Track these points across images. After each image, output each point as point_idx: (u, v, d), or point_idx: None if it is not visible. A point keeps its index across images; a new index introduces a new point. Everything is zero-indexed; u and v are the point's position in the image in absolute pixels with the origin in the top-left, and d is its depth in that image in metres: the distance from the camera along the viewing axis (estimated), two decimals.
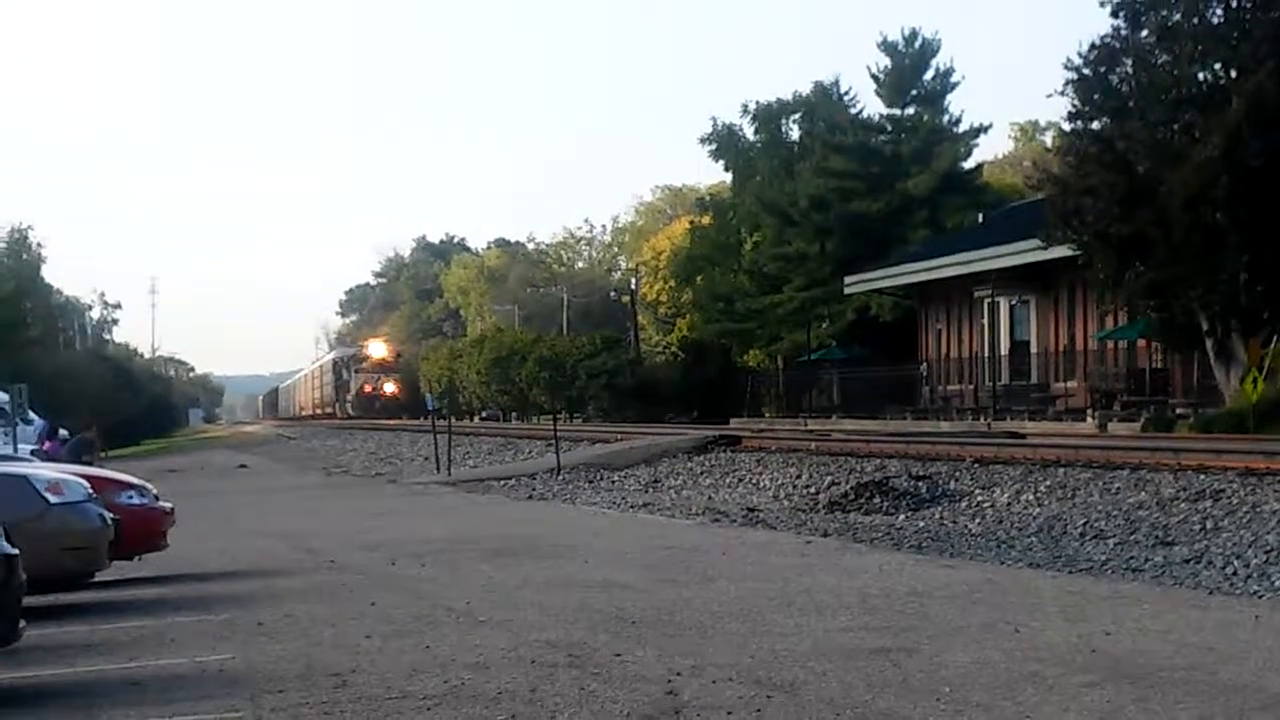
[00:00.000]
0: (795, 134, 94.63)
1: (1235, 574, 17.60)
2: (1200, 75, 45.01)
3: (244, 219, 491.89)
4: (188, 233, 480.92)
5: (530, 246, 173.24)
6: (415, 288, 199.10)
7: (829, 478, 32.26)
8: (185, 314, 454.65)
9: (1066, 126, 48.78)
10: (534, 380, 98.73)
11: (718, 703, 10.20)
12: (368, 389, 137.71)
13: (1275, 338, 44.23)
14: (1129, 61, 45.54)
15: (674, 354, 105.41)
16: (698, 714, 9.93)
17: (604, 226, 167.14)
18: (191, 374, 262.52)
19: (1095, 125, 46.52)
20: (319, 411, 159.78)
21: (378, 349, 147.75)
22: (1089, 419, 50.83)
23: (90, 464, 28.33)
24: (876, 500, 27.99)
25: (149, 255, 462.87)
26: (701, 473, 37.45)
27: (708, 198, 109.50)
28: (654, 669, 11.46)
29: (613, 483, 37.73)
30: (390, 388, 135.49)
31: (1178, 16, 44.49)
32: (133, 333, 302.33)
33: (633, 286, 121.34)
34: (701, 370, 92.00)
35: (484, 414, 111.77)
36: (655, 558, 19.74)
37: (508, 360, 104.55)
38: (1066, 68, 45.84)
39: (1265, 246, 42.58)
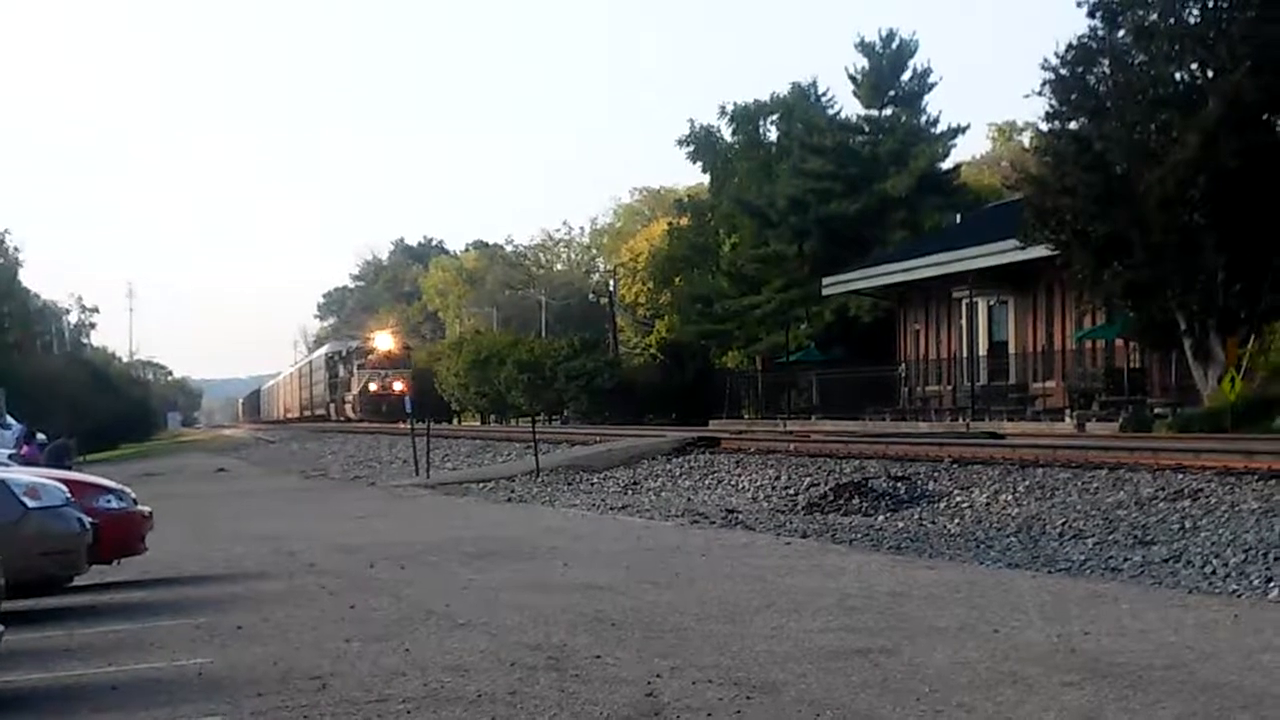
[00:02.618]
0: (773, 135, 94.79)
1: (1214, 573, 17.64)
2: (1177, 75, 45.14)
3: (221, 222, 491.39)
4: (165, 237, 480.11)
5: (508, 249, 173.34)
6: (394, 290, 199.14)
7: (808, 479, 32.29)
8: (163, 318, 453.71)
9: (1044, 127, 48.86)
10: (513, 383, 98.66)
11: (698, 704, 10.20)
12: (374, 388, 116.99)
13: (1253, 337, 44.35)
14: (1106, 61, 45.66)
15: (653, 356, 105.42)
16: (678, 715, 9.92)
17: (582, 228, 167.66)
18: (169, 378, 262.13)
19: (1073, 125, 46.65)
20: (307, 414, 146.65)
21: (385, 341, 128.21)
22: (1067, 419, 50.93)
23: (69, 468, 28.28)
24: (855, 501, 28.01)
25: (126, 259, 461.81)
26: (680, 474, 37.46)
27: (686, 199, 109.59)
28: (634, 670, 11.46)
29: (592, 485, 37.73)
30: (400, 386, 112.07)
31: (1154, 16, 44.59)
32: (110, 337, 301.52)
33: (611, 288, 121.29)
34: (680, 372, 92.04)
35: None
36: (635, 559, 19.73)
37: (486, 363, 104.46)
38: (1044, 68, 45.97)
39: (1242, 246, 42.70)
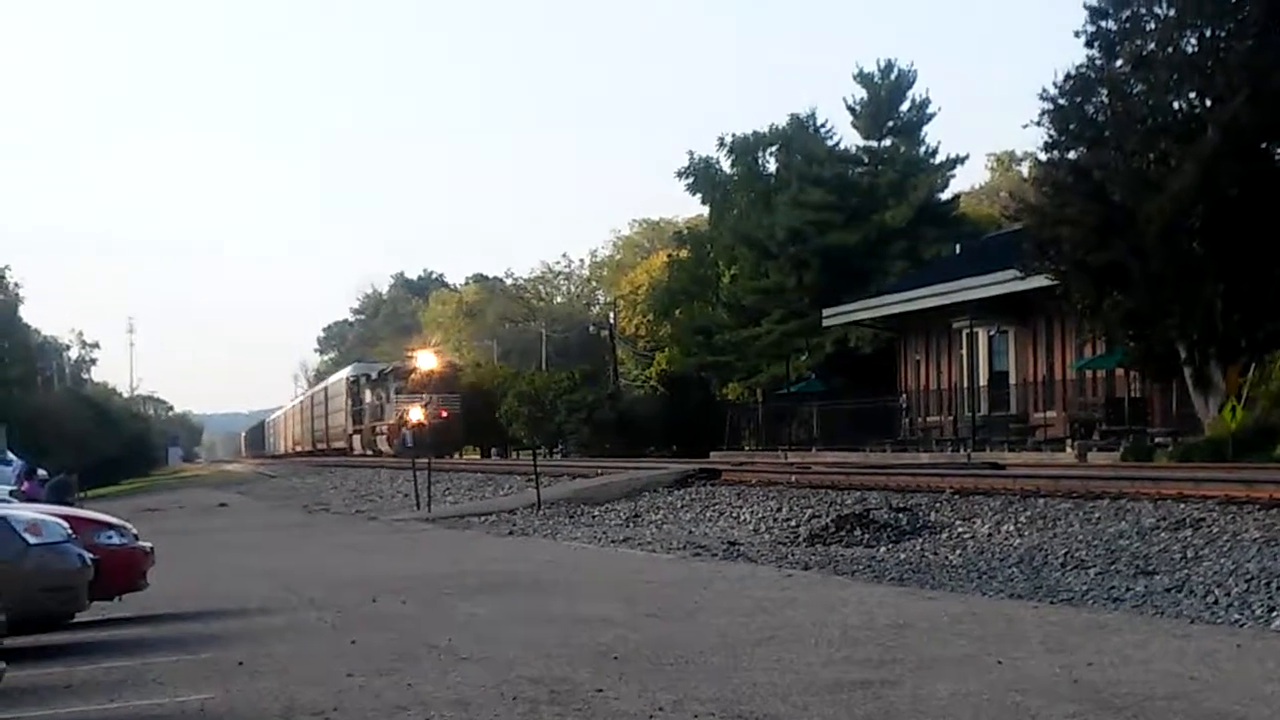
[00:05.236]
0: (772, 166, 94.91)
1: (1216, 603, 17.62)
2: (1175, 104, 45.22)
3: (221, 256, 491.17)
4: (166, 272, 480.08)
5: (509, 282, 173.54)
6: (394, 324, 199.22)
7: (809, 510, 32.25)
8: (163, 353, 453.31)
9: (1043, 156, 48.93)
10: (514, 416, 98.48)
11: None
12: (416, 416, 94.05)
13: (1253, 365, 44.34)
14: (1104, 91, 45.75)
15: (653, 388, 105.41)
16: None
17: (582, 261, 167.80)
18: (170, 412, 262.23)
19: (1071, 155, 46.70)
20: (321, 447, 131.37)
21: (428, 360, 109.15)
22: (1068, 449, 50.89)
23: (70, 504, 28.29)
24: (857, 532, 27.99)
25: (127, 294, 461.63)
26: (682, 507, 37.42)
27: (685, 231, 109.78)
28: (636, 704, 11.43)
29: (593, 517, 37.69)
30: (446, 413, 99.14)
31: (1152, 46, 44.70)
32: (111, 372, 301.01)
33: (611, 320, 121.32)
34: (681, 403, 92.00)
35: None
36: (636, 592, 19.70)
37: (487, 396, 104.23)
38: (1042, 98, 46.05)
39: (1241, 275, 42.73)
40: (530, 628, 16.26)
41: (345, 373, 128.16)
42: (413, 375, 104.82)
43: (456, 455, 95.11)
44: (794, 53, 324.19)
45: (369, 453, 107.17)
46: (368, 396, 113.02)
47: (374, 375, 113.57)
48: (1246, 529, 22.13)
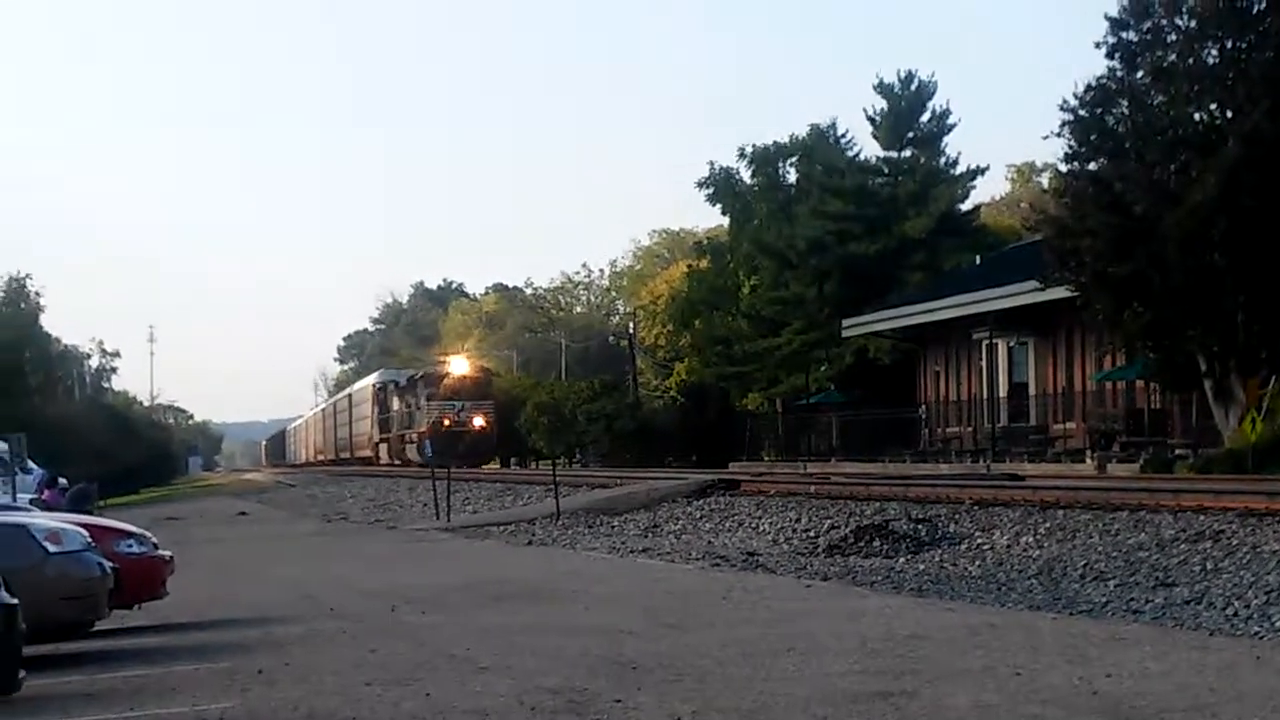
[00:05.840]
0: (792, 177, 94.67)
1: (1236, 615, 17.61)
2: (1196, 116, 45.15)
3: (241, 265, 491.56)
4: (186, 280, 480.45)
5: (528, 291, 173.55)
6: (413, 334, 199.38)
7: (828, 521, 32.25)
8: (183, 361, 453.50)
9: (1063, 168, 48.79)
10: (533, 425, 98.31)
11: None
12: (448, 422, 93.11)
13: (1274, 377, 44.23)
14: (1125, 102, 45.70)
15: (673, 398, 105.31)
16: None
17: (602, 271, 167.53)
18: (190, 421, 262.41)
19: (1092, 166, 46.61)
20: (344, 456, 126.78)
21: (461, 365, 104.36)
22: (1088, 460, 50.78)
23: (90, 513, 28.35)
24: (876, 543, 27.99)
25: (147, 303, 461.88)
26: (701, 517, 37.43)
27: (705, 241, 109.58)
28: (655, 714, 11.44)
29: (612, 527, 37.70)
30: (480, 421, 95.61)
31: (1173, 57, 44.64)
32: (131, 381, 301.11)
33: (631, 330, 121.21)
34: (700, 414, 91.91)
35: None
36: (655, 602, 19.71)
37: (507, 405, 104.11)
38: (1063, 109, 45.97)
39: (1262, 286, 42.63)
40: (549, 638, 16.28)
41: (372, 379, 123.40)
42: (444, 381, 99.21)
43: (482, 466, 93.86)
44: (814, 63, 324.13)
45: (396, 462, 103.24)
46: (395, 404, 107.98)
47: (403, 382, 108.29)
48: (1267, 541, 22.09)
